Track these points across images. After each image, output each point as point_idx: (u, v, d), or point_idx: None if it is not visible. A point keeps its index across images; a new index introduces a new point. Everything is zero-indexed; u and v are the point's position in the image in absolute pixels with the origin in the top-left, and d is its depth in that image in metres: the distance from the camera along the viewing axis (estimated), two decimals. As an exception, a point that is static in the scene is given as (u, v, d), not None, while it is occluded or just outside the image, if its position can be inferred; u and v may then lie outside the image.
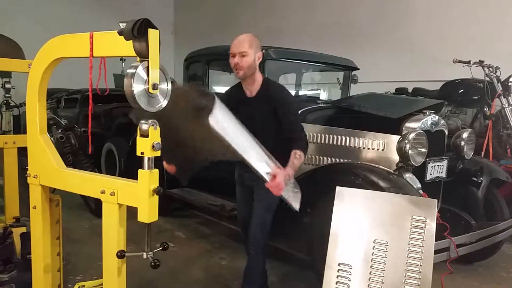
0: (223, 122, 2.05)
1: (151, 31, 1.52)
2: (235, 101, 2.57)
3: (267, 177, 2.21)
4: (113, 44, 1.63)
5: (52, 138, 4.15)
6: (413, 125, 2.92)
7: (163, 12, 10.14)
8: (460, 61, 4.55)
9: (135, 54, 1.55)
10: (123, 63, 6.34)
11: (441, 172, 3.09)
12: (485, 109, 4.73)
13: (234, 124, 2.21)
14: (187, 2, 10.35)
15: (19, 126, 4.97)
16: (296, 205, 2.41)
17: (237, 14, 8.72)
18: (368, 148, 3.00)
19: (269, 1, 8.34)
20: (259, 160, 2.25)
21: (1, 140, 3.14)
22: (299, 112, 3.36)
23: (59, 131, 4.31)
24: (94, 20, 7.76)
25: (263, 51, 3.47)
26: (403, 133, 2.85)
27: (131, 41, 1.52)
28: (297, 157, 2.35)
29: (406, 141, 2.74)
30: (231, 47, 2.49)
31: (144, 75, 1.55)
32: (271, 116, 2.48)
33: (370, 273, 2.12)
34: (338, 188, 2.30)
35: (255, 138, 2.32)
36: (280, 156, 2.38)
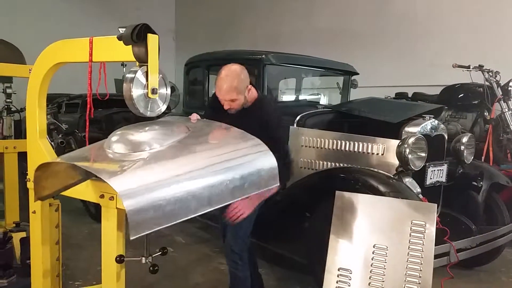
0: (150, 216, 1.49)
1: (150, 36, 1.53)
2: (220, 112, 2.43)
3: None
4: (112, 49, 1.65)
5: (52, 143, 4.16)
6: (413, 129, 2.93)
7: (165, 18, 10.18)
8: (460, 66, 4.56)
9: (134, 59, 1.57)
10: (124, 68, 6.35)
11: (441, 177, 3.08)
12: (485, 113, 4.73)
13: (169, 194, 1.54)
14: (188, 8, 10.40)
15: (20, 131, 4.98)
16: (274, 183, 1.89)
17: (237, 19, 8.77)
18: (368, 153, 3.00)
19: (269, 6, 8.38)
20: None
21: (2, 145, 3.16)
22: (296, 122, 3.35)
23: (60, 136, 4.32)
24: (96, 25, 7.78)
25: (263, 56, 3.54)
26: (403, 138, 2.85)
27: (130, 46, 1.53)
28: None
29: (406, 146, 2.74)
30: (218, 89, 2.34)
31: (143, 80, 1.56)
32: (257, 132, 2.20)
33: (370, 278, 2.11)
34: (337, 193, 2.30)
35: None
36: None
